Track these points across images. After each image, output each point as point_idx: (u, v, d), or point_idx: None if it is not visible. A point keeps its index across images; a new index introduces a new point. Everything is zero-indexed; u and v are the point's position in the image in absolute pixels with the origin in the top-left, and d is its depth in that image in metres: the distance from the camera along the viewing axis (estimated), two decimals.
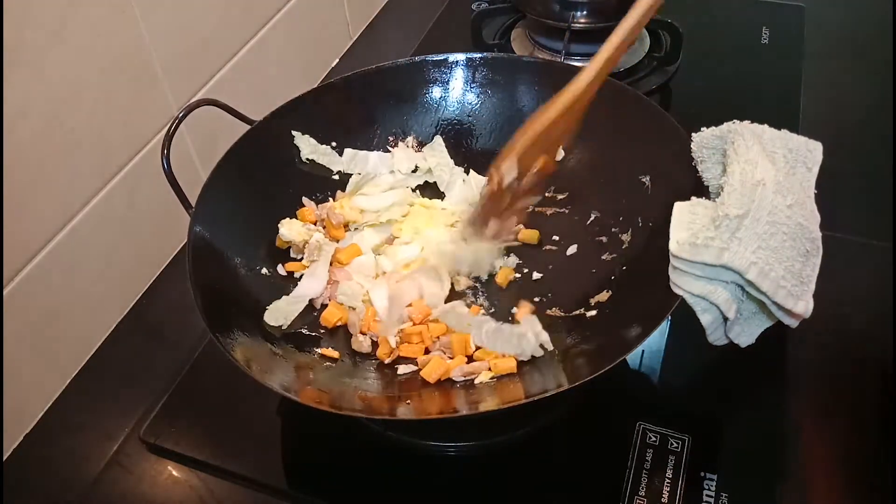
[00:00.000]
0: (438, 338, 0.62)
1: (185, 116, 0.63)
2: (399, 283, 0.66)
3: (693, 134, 0.59)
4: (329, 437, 0.62)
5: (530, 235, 0.71)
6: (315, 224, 0.72)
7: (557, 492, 0.59)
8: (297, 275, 0.68)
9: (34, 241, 0.64)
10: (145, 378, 0.69)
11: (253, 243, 0.68)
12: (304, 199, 0.72)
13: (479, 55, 0.76)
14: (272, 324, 0.63)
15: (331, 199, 0.74)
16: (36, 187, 0.63)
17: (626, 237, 0.67)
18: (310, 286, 0.66)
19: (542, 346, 0.60)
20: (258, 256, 0.68)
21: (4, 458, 0.65)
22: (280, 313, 0.64)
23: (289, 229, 0.68)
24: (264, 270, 0.67)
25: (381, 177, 0.75)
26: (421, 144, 0.78)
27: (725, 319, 0.53)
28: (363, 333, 0.63)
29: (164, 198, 0.64)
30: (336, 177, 0.75)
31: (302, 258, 0.69)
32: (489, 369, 0.59)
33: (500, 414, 0.51)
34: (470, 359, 0.61)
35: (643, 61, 0.97)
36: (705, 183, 0.59)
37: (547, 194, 0.74)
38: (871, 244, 0.74)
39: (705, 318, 0.53)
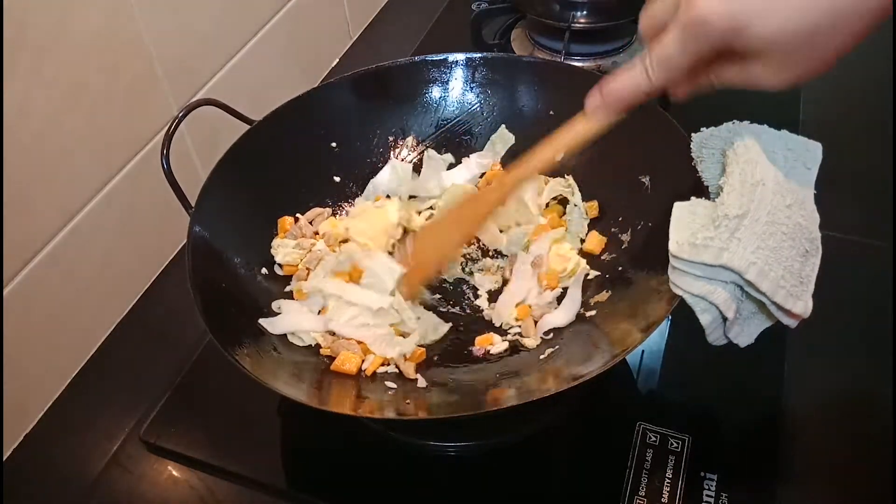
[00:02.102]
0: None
1: (185, 116, 0.63)
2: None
3: (693, 134, 0.59)
4: (329, 437, 0.62)
5: (591, 207, 0.71)
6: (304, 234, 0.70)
7: (557, 492, 0.59)
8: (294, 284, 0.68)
9: (34, 241, 0.64)
10: (145, 378, 0.69)
11: (253, 243, 0.68)
12: (292, 217, 0.72)
13: (478, 55, 0.76)
14: (299, 344, 0.62)
15: (328, 205, 0.74)
16: (36, 187, 0.63)
17: (625, 237, 0.67)
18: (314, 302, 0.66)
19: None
20: (258, 256, 0.68)
21: (4, 458, 0.65)
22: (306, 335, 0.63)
23: (283, 254, 0.68)
24: (264, 270, 0.67)
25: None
26: (420, 144, 0.78)
27: (725, 319, 0.53)
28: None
29: (164, 198, 0.64)
30: (337, 178, 0.75)
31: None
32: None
33: (500, 414, 0.51)
34: None
35: None
36: (705, 183, 0.59)
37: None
38: (871, 244, 0.74)
39: (705, 318, 0.53)
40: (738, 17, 0.42)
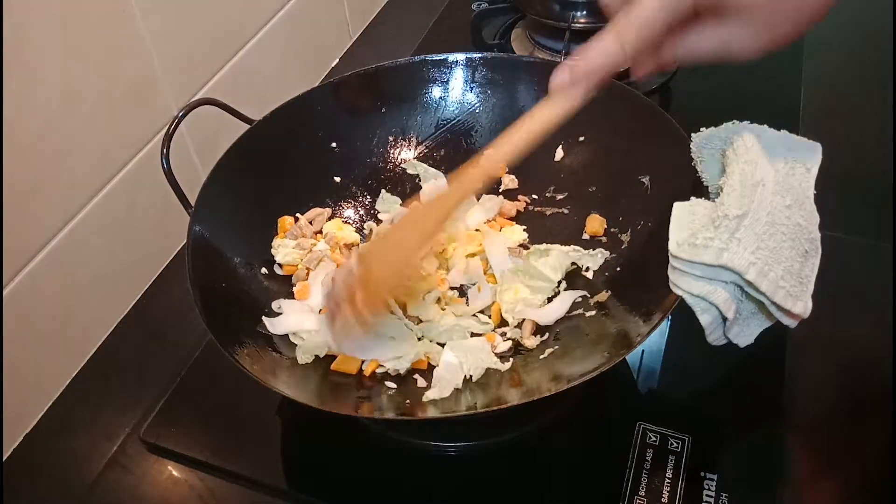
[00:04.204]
0: None
1: (184, 116, 0.63)
2: None
3: (693, 134, 0.59)
4: (329, 437, 0.62)
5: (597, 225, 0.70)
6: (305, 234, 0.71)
7: (557, 492, 0.59)
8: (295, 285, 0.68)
9: (34, 241, 0.64)
10: (145, 378, 0.69)
11: (253, 243, 0.68)
12: (290, 217, 0.72)
13: (478, 55, 0.76)
14: (306, 361, 0.61)
15: (329, 205, 0.74)
16: (36, 187, 0.63)
17: (625, 237, 0.67)
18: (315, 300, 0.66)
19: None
20: (258, 256, 0.68)
21: (4, 458, 0.65)
22: (311, 347, 0.62)
23: (283, 254, 0.68)
24: (263, 270, 0.67)
25: None
26: (420, 144, 0.78)
27: (725, 319, 0.53)
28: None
29: (164, 198, 0.64)
30: (337, 178, 0.75)
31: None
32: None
33: (500, 414, 0.51)
34: None
35: None
36: (705, 183, 0.59)
37: (546, 194, 0.74)
38: (871, 244, 0.74)
39: (704, 319, 0.53)
40: None
